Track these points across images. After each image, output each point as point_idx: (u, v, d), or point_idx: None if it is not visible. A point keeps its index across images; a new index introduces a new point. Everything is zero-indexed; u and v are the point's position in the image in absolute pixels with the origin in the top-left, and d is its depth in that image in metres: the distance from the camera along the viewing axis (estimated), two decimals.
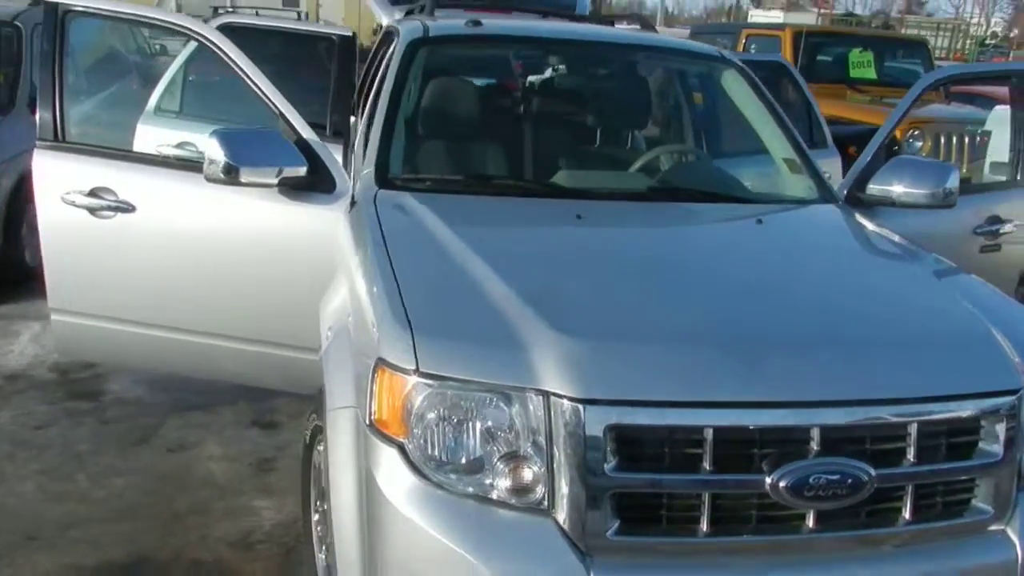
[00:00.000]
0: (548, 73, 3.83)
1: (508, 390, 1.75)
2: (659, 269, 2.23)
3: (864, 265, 2.58)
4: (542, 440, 1.73)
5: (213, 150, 2.68)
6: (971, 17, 32.42)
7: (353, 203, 2.70)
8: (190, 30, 3.03)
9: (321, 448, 2.49)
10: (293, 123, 2.90)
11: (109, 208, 2.96)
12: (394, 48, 3.24)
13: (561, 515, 1.71)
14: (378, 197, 2.65)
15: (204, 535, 3.07)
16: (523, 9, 4.44)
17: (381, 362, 1.85)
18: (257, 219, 2.88)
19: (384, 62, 3.64)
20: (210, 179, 2.72)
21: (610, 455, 1.70)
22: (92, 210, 2.97)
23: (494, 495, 1.75)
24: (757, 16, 32.04)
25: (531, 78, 3.83)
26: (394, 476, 1.78)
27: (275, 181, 2.74)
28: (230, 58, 2.96)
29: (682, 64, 3.57)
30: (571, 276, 2.11)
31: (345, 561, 1.92)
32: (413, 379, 1.78)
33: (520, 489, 1.74)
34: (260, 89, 2.94)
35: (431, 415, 1.77)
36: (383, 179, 2.75)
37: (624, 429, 1.70)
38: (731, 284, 2.17)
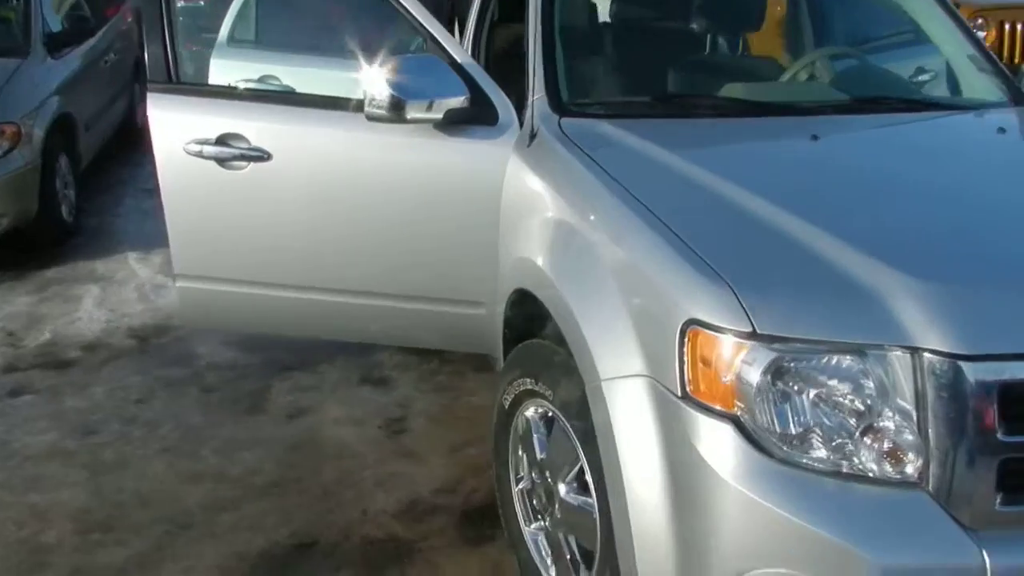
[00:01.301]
0: None
1: (867, 348, 1.50)
2: (956, 197, 1.96)
3: None
4: (909, 404, 1.49)
5: (376, 83, 2.33)
6: None
7: (533, 136, 2.38)
8: None
9: (532, 413, 2.25)
10: (446, 46, 2.53)
11: (242, 157, 2.60)
12: None
13: (938, 487, 1.49)
14: (568, 128, 2.33)
15: (365, 509, 2.83)
16: None
17: (694, 323, 1.58)
18: (414, 160, 2.54)
19: None
20: (372, 118, 2.37)
21: (999, 417, 1.46)
22: (221, 160, 2.61)
23: (856, 469, 1.52)
24: None
25: None
26: (731, 455, 1.53)
27: (440, 116, 2.40)
28: None
29: None
30: (869, 209, 1.85)
31: (648, 544, 1.67)
32: (749, 343, 1.52)
33: (888, 461, 1.50)
34: (404, 6, 2.56)
35: (777, 383, 1.52)
36: (559, 106, 2.43)
37: (1017, 386, 1.46)
38: None
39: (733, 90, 2.55)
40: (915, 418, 1.49)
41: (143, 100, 3.72)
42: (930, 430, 1.48)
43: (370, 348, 3.83)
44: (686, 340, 1.60)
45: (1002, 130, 2.35)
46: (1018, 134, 2.43)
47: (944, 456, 1.48)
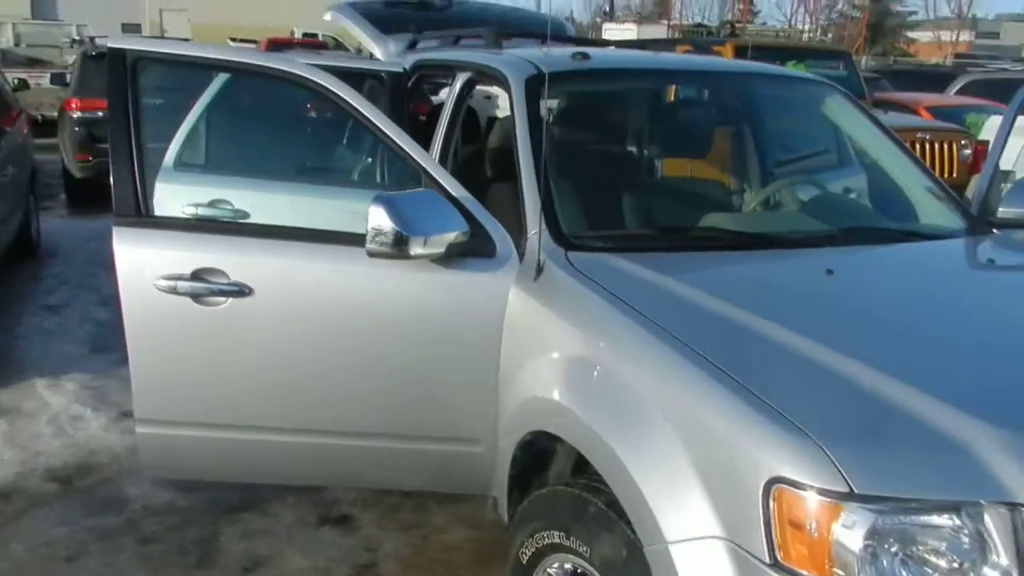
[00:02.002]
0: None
1: (968, 507, 1.45)
2: (990, 328, 1.98)
3: None
4: (1013, 562, 1.44)
5: (379, 218, 2.21)
6: (803, 26, 34.67)
7: (540, 270, 2.30)
8: (308, 79, 2.52)
9: (557, 570, 2.09)
10: (440, 180, 2.45)
11: (220, 293, 2.40)
12: (503, 88, 2.85)
13: None
14: (578, 262, 2.27)
15: None
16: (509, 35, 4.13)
17: (779, 482, 1.50)
18: (409, 295, 2.41)
19: (456, 103, 3.23)
20: (373, 254, 2.25)
21: None
22: (196, 296, 2.40)
23: None
24: (612, 30, 33.04)
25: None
26: None
27: (442, 250, 2.30)
28: (351, 105, 2.48)
29: (793, 92, 3.37)
30: (926, 351, 1.84)
31: None
32: (846, 503, 1.45)
33: None
34: (393, 140, 2.48)
35: (879, 548, 1.44)
36: (562, 239, 2.37)
37: None
38: None
39: (727, 221, 2.57)
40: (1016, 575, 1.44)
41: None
42: None
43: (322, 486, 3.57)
44: (771, 500, 1.51)
45: (991, 261, 2.45)
46: (1008, 261, 2.53)
47: None
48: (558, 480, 2.31)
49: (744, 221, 2.66)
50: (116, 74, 2.45)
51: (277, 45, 18.65)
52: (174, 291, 2.38)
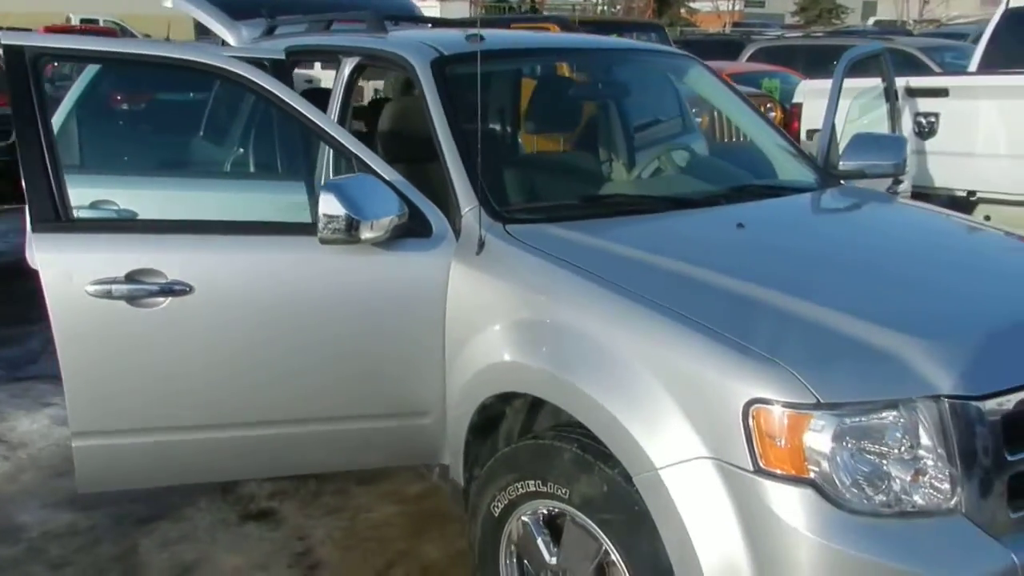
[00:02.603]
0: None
1: (904, 403, 1.76)
2: (883, 265, 2.34)
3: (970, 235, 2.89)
4: (940, 444, 1.77)
5: (330, 205, 2.25)
6: None
7: (482, 244, 2.43)
8: (225, 70, 2.48)
9: (529, 517, 2.27)
10: (372, 165, 2.51)
11: (158, 293, 2.33)
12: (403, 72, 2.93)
13: (969, 508, 1.78)
14: (517, 234, 2.43)
15: None
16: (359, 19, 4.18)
17: (756, 403, 1.75)
18: (354, 278, 2.45)
19: (346, 89, 3.27)
20: (326, 240, 2.29)
21: (1004, 441, 1.79)
22: (132, 299, 2.32)
23: (910, 507, 1.76)
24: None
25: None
26: (814, 515, 1.70)
27: (387, 233, 2.37)
28: (278, 98, 2.48)
29: (662, 65, 3.66)
30: (841, 283, 2.15)
31: None
32: (816, 412, 1.72)
33: (934, 495, 1.77)
34: (324, 130, 2.50)
35: (842, 445, 1.73)
36: (495, 214, 2.52)
37: (1015, 415, 1.80)
38: (946, 270, 2.36)
39: (635, 187, 2.81)
40: (945, 455, 1.78)
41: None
42: (956, 463, 1.78)
43: (233, 483, 3.52)
44: (750, 419, 1.76)
45: (855, 205, 2.86)
46: (868, 206, 2.96)
47: (970, 481, 1.78)
48: (508, 440, 2.48)
49: (649, 186, 2.91)
50: (17, 72, 2.30)
51: (56, 32, 17.16)
52: (108, 295, 2.29)
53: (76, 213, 2.47)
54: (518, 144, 3.01)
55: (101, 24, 21.60)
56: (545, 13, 22.72)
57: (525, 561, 2.33)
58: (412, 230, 2.49)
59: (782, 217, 2.79)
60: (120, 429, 2.43)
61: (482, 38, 3.07)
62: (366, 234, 2.31)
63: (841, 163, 3.40)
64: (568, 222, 2.52)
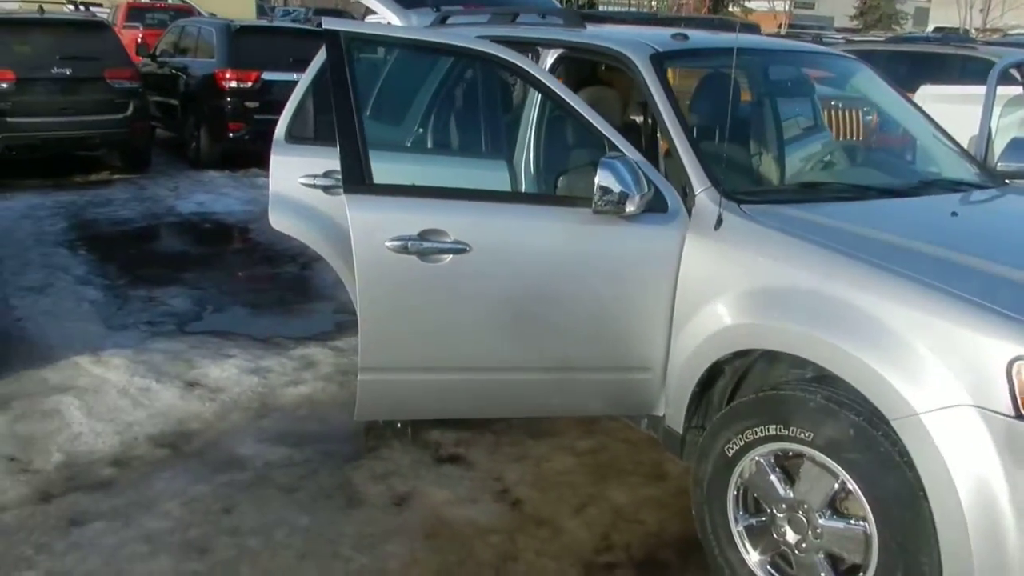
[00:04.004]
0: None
1: None
2: None
3: None
4: None
5: (607, 179, 2.60)
6: None
7: (720, 221, 2.77)
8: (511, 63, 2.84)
9: (762, 458, 2.60)
10: (621, 147, 2.86)
11: (442, 251, 2.70)
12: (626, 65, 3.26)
13: None
14: (753, 213, 2.76)
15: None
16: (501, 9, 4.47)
17: (1020, 359, 2.08)
18: (605, 246, 2.80)
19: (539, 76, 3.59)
20: (600, 211, 2.64)
21: None
22: (423, 255, 2.68)
23: None
24: None
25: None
26: None
27: (641, 208, 2.72)
28: (544, 84, 2.84)
29: (840, 67, 3.99)
30: None
31: (989, 544, 2.10)
32: None
33: None
34: (581, 114, 2.86)
35: None
36: (727, 194, 2.85)
37: None
38: None
39: (852, 176, 3.15)
40: None
41: None
42: None
43: (419, 430, 3.88)
44: (1012, 373, 2.09)
45: None
46: None
47: None
48: (722, 393, 2.83)
49: (855, 175, 3.25)
50: (335, 54, 2.66)
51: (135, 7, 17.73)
52: (405, 250, 2.66)
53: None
54: (735, 133, 3.32)
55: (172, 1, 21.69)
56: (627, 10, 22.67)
57: (754, 495, 2.67)
58: (653, 206, 2.83)
59: (984, 207, 3.10)
60: (396, 366, 2.79)
61: (686, 36, 3.40)
62: (630, 207, 2.65)
63: (999, 164, 3.70)
64: (794, 204, 2.85)
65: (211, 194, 8.91)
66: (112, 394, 4.15)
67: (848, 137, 7.71)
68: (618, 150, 2.83)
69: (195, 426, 3.91)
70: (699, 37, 3.58)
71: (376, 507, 3.34)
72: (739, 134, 3.26)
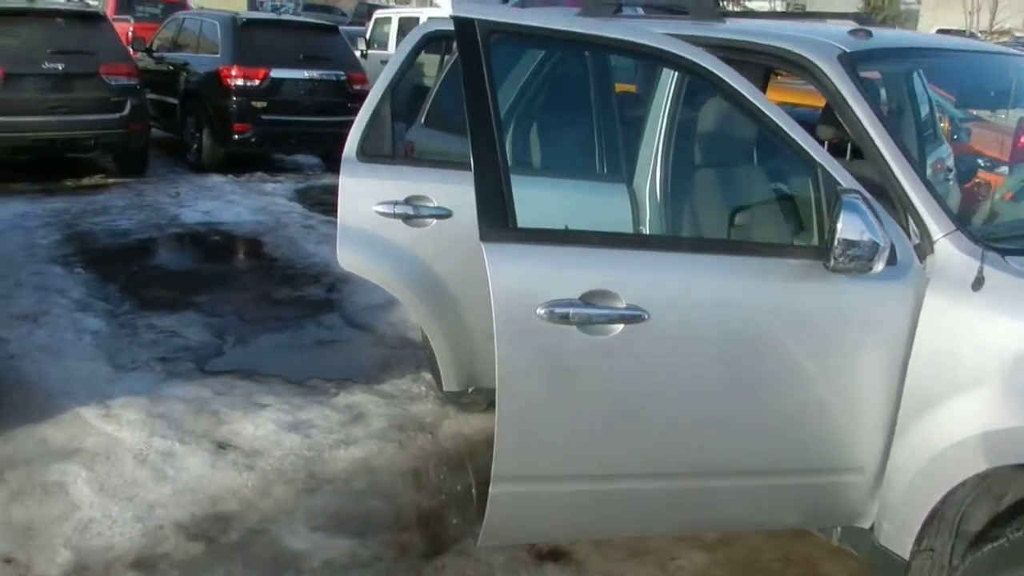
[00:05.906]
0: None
1: None
2: None
3: None
4: None
5: (854, 226, 1.88)
6: None
7: (981, 279, 2.05)
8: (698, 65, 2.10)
9: None
10: (839, 179, 2.12)
11: (611, 320, 1.95)
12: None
13: None
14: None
15: None
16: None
17: None
18: (824, 310, 2.09)
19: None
20: (839, 269, 1.92)
21: None
22: (585, 325, 1.94)
23: None
24: None
25: None
26: None
27: (882, 264, 2.00)
28: (739, 93, 2.11)
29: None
30: None
31: None
32: None
33: None
34: (785, 130, 2.12)
35: None
36: (980, 241, 2.14)
37: None
38: None
39: None
40: None
41: None
42: None
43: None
44: None
45: None
46: None
47: None
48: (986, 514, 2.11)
49: None
50: (468, 49, 1.91)
51: None
52: (564, 319, 1.92)
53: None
54: (944, 155, 2.64)
55: None
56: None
57: None
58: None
59: None
60: (548, 475, 2.05)
61: (869, 33, 2.70)
62: (878, 265, 1.94)
63: None
64: None
65: (217, 201, 8.13)
66: (127, 461, 3.39)
67: None
68: (840, 183, 2.09)
69: (232, 506, 3.17)
70: (883, 34, 2.87)
71: None
72: (959, 161, 2.56)
